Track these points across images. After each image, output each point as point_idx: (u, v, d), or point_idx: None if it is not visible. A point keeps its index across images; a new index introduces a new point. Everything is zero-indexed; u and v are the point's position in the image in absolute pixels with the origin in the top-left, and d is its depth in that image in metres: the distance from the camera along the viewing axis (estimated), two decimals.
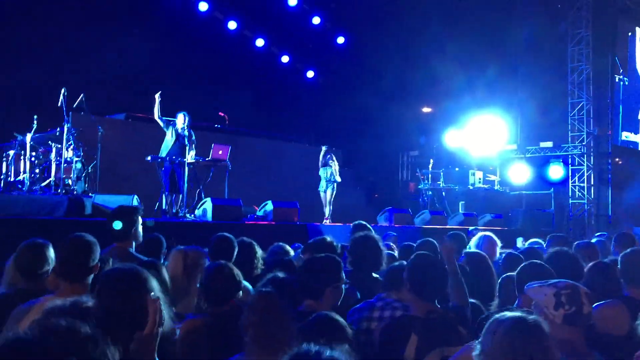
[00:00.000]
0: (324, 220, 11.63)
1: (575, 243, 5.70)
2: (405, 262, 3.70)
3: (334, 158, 12.03)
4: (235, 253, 4.54)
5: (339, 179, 11.94)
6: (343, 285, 3.24)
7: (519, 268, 3.45)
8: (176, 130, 9.53)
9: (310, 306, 3.10)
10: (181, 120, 9.55)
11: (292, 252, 5.33)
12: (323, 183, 11.85)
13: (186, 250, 3.87)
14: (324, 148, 12.11)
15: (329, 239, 4.03)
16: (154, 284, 2.40)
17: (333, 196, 11.91)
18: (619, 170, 17.12)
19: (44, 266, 3.37)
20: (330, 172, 11.82)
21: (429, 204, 14.96)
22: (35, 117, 8.68)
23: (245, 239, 4.53)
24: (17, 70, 11.33)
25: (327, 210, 11.89)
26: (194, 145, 9.56)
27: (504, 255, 4.92)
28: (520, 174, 17.05)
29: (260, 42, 16.56)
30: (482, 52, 15.68)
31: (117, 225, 4.18)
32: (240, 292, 3.24)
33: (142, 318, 2.19)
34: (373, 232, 5.14)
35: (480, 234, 6.15)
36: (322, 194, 11.89)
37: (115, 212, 4.38)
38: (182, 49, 14.13)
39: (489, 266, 4.38)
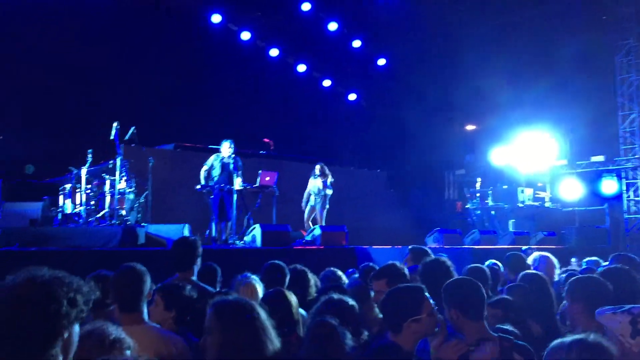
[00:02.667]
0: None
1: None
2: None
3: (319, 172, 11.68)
4: (288, 280, 4.57)
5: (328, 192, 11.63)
6: (433, 318, 2.98)
7: (569, 284, 3.33)
8: (222, 159, 9.70)
9: (394, 340, 2.95)
10: (227, 147, 9.71)
11: (344, 278, 5.31)
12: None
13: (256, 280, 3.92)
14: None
15: (398, 264, 3.97)
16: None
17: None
18: None
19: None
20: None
21: (478, 224, 14.71)
22: (89, 150, 8.98)
23: (298, 266, 4.55)
24: (71, 106, 11.83)
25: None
26: (240, 172, 9.70)
27: (564, 276, 4.77)
28: (571, 190, 16.58)
29: (302, 68, 16.78)
30: (528, 68, 15.44)
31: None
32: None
33: None
34: (432, 255, 5.06)
35: (536, 253, 6.00)
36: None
37: (179, 242, 4.50)
38: (226, 77, 14.46)
39: (548, 288, 4.25)
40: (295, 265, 4.66)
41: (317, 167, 11.71)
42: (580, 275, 3.55)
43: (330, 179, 11.67)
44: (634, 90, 15.84)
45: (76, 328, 1.71)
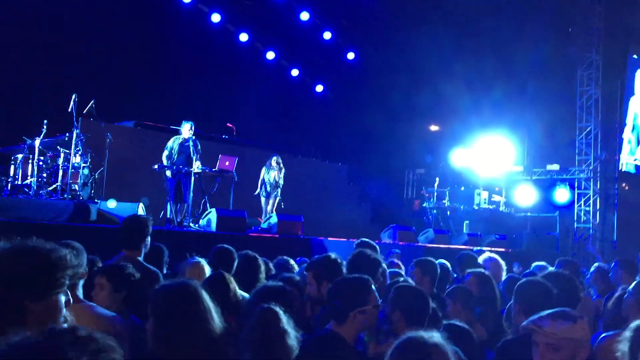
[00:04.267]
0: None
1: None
2: None
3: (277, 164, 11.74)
4: (235, 265, 4.54)
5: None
6: (374, 309, 2.99)
7: (516, 286, 3.43)
8: (182, 140, 9.56)
9: (335, 329, 2.96)
10: (187, 129, 9.58)
11: (296, 267, 5.31)
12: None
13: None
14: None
15: (333, 255, 4.00)
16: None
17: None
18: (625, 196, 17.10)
19: None
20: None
21: (434, 223, 14.92)
22: (45, 121, 8.73)
23: (250, 253, 4.52)
24: (28, 75, 11.46)
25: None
26: (199, 155, 9.58)
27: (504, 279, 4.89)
28: (526, 196, 17.01)
29: (270, 55, 16.65)
30: (491, 73, 15.71)
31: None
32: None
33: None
34: (377, 250, 5.12)
35: (486, 254, 6.13)
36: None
37: (128, 220, 4.40)
38: (192, 59, 14.24)
39: (494, 288, 4.35)
40: (247, 251, 4.63)
41: (276, 159, 11.67)
42: (526, 278, 3.63)
43: (283, 171, 11.65)
44: (592, 103, 16.29)
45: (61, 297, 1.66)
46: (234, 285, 3.22)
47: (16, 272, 1.59)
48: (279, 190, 11.64)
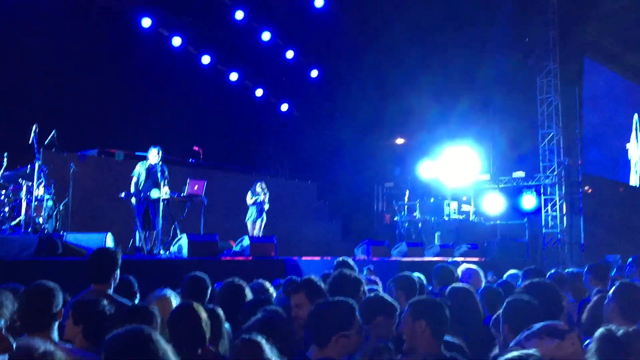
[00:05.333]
0: None
1: (549, 274, 5.68)
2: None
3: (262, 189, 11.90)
4: (209, 293, 4.42)
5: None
6: (356, 335, 2.96)
7: (504, 305, 3.41)
8: (149, 166, 9.40)
9: (316, 354, 2.91)
10: (154, 154, 9.42)
11: (272, 290, 5.22)
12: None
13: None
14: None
15: (314, 277, 3.96)
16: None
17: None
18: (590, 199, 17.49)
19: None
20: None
21: (406, 236, 14.97)
22: (5, 154, 8.49)
23: (235, 281, 4.40)
24: None
25: None
26: (167, 180, 9.42)
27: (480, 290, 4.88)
28: (494, 204, 17.24)
29: (234, 76, 16.59)
30: (455, 85, 15.97)
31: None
32: (221, 337, 3.14)
33: None
34: (356, 269, 5.08)
35: (464, 265, 6.13)
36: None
37: (96, 253, 4.25)
38: (155, 83, 14.06)
39: (476, 302, 4.32)
40: (233, 279, 4.50)
41: (260, 184, 11.83)
42: (513, 297, 3.61)
43: (268, 195, 11.83)
44: (553, 110, 16.65)
45: None
46: (205, 316, 3.11)
47: None
48: (264, 214, 11.75)
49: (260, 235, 11.39)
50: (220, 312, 3.48)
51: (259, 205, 11.71)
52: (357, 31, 15.85)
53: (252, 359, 2.45)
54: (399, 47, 15.50)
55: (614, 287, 3.59)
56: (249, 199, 11.72)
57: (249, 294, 4.34)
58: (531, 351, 2.08)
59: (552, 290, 3.63)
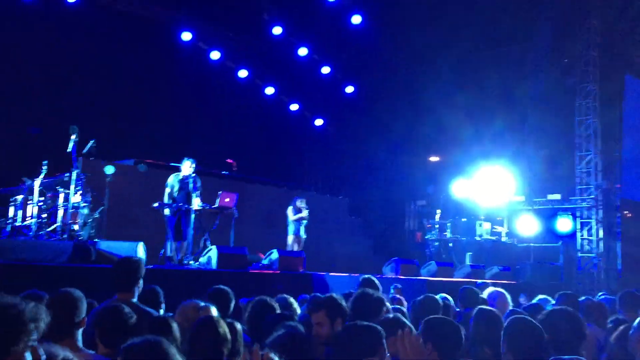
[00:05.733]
0: None
1: (580, 300, 5.57)
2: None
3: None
4: (232, 306, 4.46)
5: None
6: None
7: (506, 324, 3.42)
8: (182, 177, 9.56)
9: None
10: (188, 166, 9.59)
11: (295, 305, 5.24)
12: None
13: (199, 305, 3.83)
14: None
15: (335, 295, 3.96)
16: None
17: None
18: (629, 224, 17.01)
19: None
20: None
21: (436, 255, 14.83)
22: (44, 162, 8.75)
23: (267, 300, 4.41)
24: (28, 115, 11.55)
25: None
26: (199, 192, 9.57)
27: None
28: (528, 226, 16.91)
29: (270, 90, 16.81)
30: (491, 103, 15.83)
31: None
32: (238, 353, 3.16)
33: None
34: (380, 288, 5.07)
35: (491, 288, 6.06)
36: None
37: (120, 263, 4.36)
38: (192, 95, 14.38)
39: (501, 326, 4.27)
40: (265, 298, 4.48)
41: (302, 201, 11.90)
42: (515, 317, 3.58)
43: (307, 211, 11.94)
44: (591, 132, 16.33)
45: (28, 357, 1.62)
46: (224, 329, 3.15)
47: None
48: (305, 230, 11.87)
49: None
50: (239, 326, 3.52)
51: (301, 221, 11.77)
52: (393, 48, 15.92)
53: None
54: (435, 64, 15.48)
55: (638, 318, 3.51)
56: (292, 215, 11.77)
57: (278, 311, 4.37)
58: None
59: (574, 318, 3.57)
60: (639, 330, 3.45)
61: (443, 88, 15.63)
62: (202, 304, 4.04)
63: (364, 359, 2.85)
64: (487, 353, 3.97)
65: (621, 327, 4.00)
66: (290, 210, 11.81)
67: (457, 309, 5.95)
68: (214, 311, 3.97)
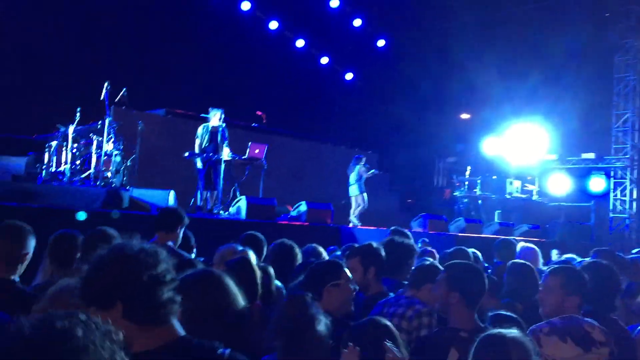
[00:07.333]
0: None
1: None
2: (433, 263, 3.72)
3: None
4: (265, 252, 4.53)
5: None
6: (351, 285, 3.16)
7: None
8: (211, 128, 9.57)
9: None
10: (216, 117, 9.59)
11: (324, 254, 5.28)
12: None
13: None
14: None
15: (375, 244, 3.97)
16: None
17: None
18: None
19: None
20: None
21: (465, 212, 14.74)
22: (78, 109, 8.85)
23: (286, 242, 4.49)
24: (62, 63, 11.63)
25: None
26: (227, 142, 9.60)
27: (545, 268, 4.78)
28: (559, 185, 16.63)
29: (300, 43, 16.60)
30: (525, 59, 15.36)
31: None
32: (271, 294, 3.21)
33: None
34: (410, 237, 5.07)
35: (522, 243, 6.03)
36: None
37: (167, 208, 4.49)
38: (221, 46, 14.27)
39: (536, 280, 4.24)
40: (283, 240, 4.61)
41: (365, 159, 12.16)
42: (556, 266, 3.54)
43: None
44: (630, 90, 15.85)
45: None
46: (258, 271, 3.20)
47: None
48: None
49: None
50: (271, 270, 3.57)
51: (364, 178, 11.94)
52: (424, 2, 15.47)
53: (297, 315, 2.50)
54: (467, 18, 15.02)
55: None
56: (365, 172, 11.93)
57: (299, 255, 4.43)
58: (511, 332, 2.04)
59: (610, 271, 3.51)
60: None
61: (473, 43, 15.20)
62: (240, 247, 4.10)
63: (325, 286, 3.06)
64: (519, 308, 3.96)
65: None
66: (363, 169, 11.94)
67: (485, 264, 5.94)
68: (251, 255, 4.04)
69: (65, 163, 8.55)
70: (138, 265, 1.69)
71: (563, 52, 15.61)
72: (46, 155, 8.74)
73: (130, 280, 1.68)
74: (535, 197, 16.14)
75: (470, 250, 5.84)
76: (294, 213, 10.09)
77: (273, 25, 15.86)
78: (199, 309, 2.21)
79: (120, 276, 1.67)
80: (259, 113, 12.45)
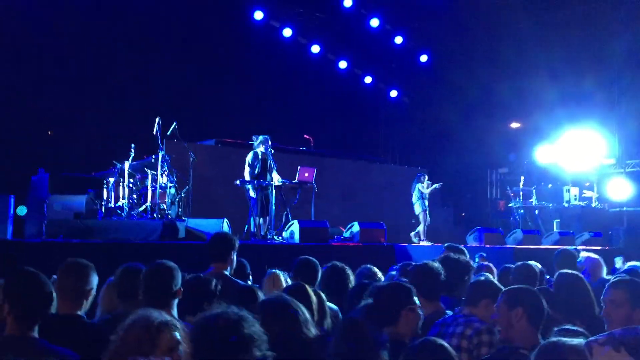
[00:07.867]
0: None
1: None
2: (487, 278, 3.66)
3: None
4: (320, 276, 4.54)
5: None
6: (419, 310, 3.17)
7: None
8: (260, 154, 9.72)
9: (391, 333, 2.99)
10: (264, 143, 9.74)
11: (379, 274, 5.25)
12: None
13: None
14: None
15: (430, 263, 3.94)
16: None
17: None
18: None
19: None
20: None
21: (521, 223, 14.37)
22: (132, 145, 9.15)
23: (337, 264, 4.50)
24: (115, 102, 12.12)
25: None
26: (275, 168, 9.73)
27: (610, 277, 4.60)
28: (620, 190, 16.02)
29: (343, 64, 16.73)
30: (576, 63, 14.95)
31: None
32: (325, 318, 3.23)
33: None
34: (465, 253, 4.99)
35: (583, 253, 5.84)
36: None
37: (216, 236, 4.56)
38: (266, 73, 14.56)
39: (587, 290, 4.08)
40: (335, 263, 4.61)
41: (427, 177, 12.38)
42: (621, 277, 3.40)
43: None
44: None
45: None
46: (314, 298, 3.23)
47: None
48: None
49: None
50: (323, 295, 3.59)
51: (425, 195, 12.09)
52: (466, 11, 15.32)
53: (358, 338, 2.50)
54: (513, 22, 14.74)
55: None
56: (426, 190, 12.13)
57: (351, 276, 4.43)
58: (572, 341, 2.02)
59: None
60: None
61: (523, 48, 14.92)
62: (271, 270, 4.20)
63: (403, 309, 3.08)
64: (579, 325, 3.82)
65: None
66: (425, 187, 12.12)
67: (547, 277, 5.76)
68: (280, 275, 4.13)
69: (123, 198, 8.83)
70: None
71: (618, 53, 15.12)
72: (105, 192, 9.03)
73: None
74: (594, 204, 15.58)
75: (533, 263, 5.68)
76: (347, 234, 10.08)
77: (315, 49, 16.07)
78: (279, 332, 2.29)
79: None
80: (306, 136, 12.57)
